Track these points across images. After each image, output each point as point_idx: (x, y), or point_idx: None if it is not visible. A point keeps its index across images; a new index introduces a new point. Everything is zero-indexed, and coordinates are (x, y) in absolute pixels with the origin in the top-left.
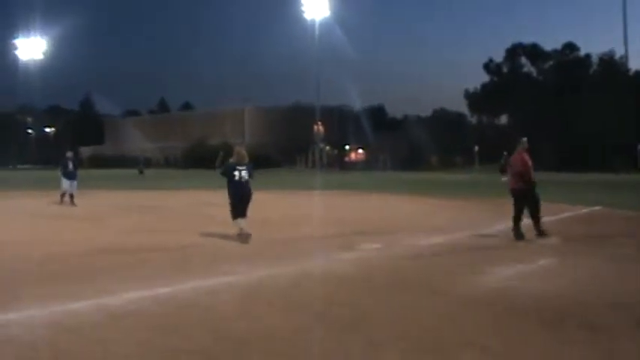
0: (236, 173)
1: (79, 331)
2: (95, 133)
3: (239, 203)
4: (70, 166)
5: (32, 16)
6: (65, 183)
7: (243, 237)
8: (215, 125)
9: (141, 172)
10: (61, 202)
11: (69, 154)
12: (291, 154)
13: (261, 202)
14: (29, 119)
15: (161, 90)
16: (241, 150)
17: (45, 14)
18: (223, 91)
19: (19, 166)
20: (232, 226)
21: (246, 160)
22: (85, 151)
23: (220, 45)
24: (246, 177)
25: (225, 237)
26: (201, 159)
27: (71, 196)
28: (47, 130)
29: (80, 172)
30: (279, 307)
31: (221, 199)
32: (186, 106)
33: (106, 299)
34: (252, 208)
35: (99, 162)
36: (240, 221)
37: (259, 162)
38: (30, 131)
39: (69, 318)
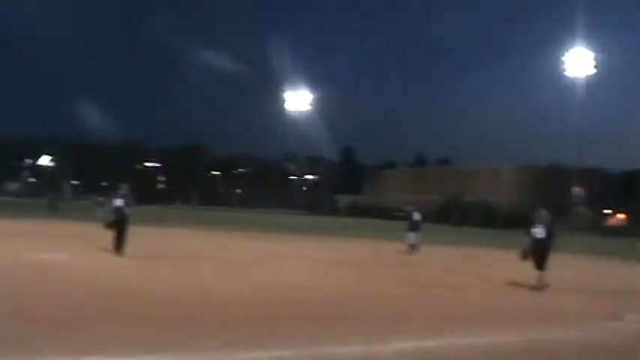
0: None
1: None
2: (354, 183)
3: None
4: (416, 217)
5: (299, 71)
6: (410, 235)
7: (540, 286)
8: (470, 182)
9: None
10: (411, 252)
11: (409, 207)
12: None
13: None
14: (292, 166)
15: (419, 143)
16: (542, 212)
17: (311, 71)
18: (480, 148)
19: (281, 211)
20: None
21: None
22: (343, 199)
23: (482, 103)
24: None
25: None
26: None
27: (413, 246)
28: (308, 177)
29: (346, 221)
30: None
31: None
32: (444, 161)
33: None
34: None
35: (356, 211)
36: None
37: (516, 222)
38: (292, 177)
39: None
